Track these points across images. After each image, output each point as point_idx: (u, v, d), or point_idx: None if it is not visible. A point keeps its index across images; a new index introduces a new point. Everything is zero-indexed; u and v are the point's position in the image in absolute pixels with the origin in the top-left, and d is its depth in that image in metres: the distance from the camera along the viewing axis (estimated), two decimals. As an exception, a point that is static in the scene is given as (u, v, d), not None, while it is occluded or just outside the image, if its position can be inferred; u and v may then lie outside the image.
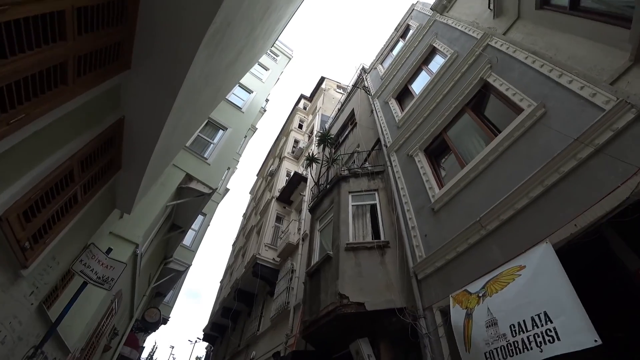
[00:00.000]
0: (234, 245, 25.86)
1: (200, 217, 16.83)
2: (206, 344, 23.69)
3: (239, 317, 16.30)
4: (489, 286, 4.48)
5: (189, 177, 10.89)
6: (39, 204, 3.38)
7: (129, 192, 5.50)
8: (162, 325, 22.78)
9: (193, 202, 11.26)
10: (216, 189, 11.33)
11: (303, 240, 11.98)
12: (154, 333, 25.75)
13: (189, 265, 14.10)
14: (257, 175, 30.49)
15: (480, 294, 4.54)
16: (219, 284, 24.08)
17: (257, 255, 13.25)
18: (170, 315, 19.91)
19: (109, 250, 5.39)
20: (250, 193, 30.27)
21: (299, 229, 12.95)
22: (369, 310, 5.89)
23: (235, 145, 13.91)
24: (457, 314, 4.77)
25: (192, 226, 16.07)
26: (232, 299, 15.15)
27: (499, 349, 3.85)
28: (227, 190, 27.13)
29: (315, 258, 7.91)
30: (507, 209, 4.61)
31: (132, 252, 7.72)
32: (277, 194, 16.64)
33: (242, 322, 15.69)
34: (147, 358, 54.09)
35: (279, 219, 15.71)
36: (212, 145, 12.60)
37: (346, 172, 8.91)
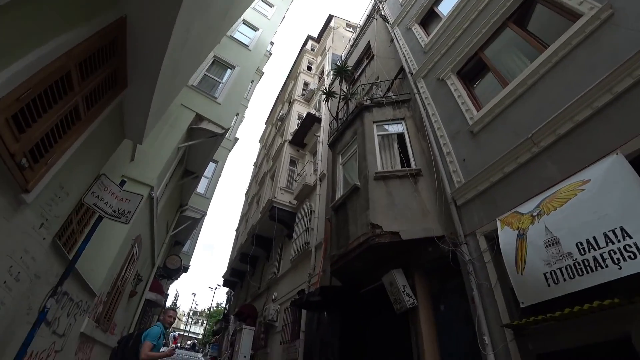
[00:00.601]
0: (247, 194, 25.80)
1: (212, 165, 16.42)
2: (226, 289, 24.52)
3: (257, 262, 16.46)
4: (544, 205, 4.02)
5: (199, 118, 10.26)
6: (32, 110, 2.82)
7: (138, 117, 4.90)
8: (183, 274, 23.47)
9: (205, 145, 10.73)
10: (228, 129, 10.75)
11: (320, 180, 11.55)
12: (176, 281, 26.73)
13: (205, 213, 13.92)
14: (265, 124, 29.67)
15: (535, 213, 4.10)
16: (235, 232, 24.36)
17: (273, 199, 12.94)
18: (190, 264, 20.32)
19: (123, 182, 4.92)
20: (260, 142, 29.66)
21: (315, 170, 12.47)
22: (404, 239, 5.49)
23: (244, 84, 13.08)
24: (506, 237, 4.36)
25: (205, 174, 15.73)
26: (250, 244, 15.15)
27: (563, 269, 3.44)
28: (236, 139, 26.53)
29: (340, 192, 7.45)
30: (565, 122, 4.04)
31: (147, 195, 7.34)
32: (289, 137, 16.00)
33: (260, 266, 15.85)
34: (171, 304, 57.64)
35: (292, 162, 15.22)
36: (220, 84, 11.83)
37: (369, 102, 8.17)
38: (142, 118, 4.94)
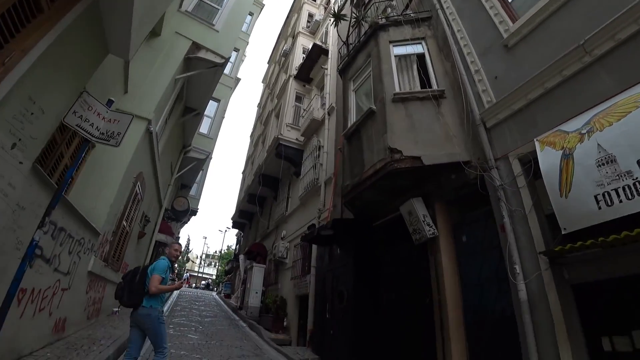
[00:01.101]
0: (251, 136, 25.17)
1: (213, 104, 15.63)
2: (236, 231, 24.92)
3: (264, 202, 16.32)
4: (596, 121, 3.50)
5: (196, 47, 9.37)
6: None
7: (119, 24, 4.18)
8: (193, 217, 23.69)
9: (204, 77, 9.94)
10: (228, 58, 9.89)
11: (329, 114, 10.84)
12: (186, 225, 27.17)
13: (209, 154, 13.46)
14: (268, 63, 28.10)
15: (584, 131, 3.56)
16: (241, 175, 24.17)
17: (279, 136, 12.35)
18: (198, 207, 20.35)
19: (110, 102, 4.32)
20: (263, 82, 28.35)
21: (322, 104, 11.70)
22: (426, 164, 4.97)
23: (243, 10, 11.91)
24: (548, 158, 3.85)
25: (207, 113, 15.02)
26: (257, 185, 14.87)
27: (620, 190, 3.01)
28: (238, 79, 25.32)
29: (352, 119, 6.81)
30: (628, 24, 3.33)
31: (145, 130, 6.80)
32: (294, 72, 14.95)
33: (268, 206, 15.70)
34: (184, 249, 59.90)
35: (298, 98, 14.37)
36: (218, 11, 10.75)
37: (384, 21, 7.20)
38: (124, 26, 4.22)
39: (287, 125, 12.88)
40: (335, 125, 10.09)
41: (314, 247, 8.35)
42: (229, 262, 26.37)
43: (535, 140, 4.00)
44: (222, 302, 18.47)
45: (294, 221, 11.03)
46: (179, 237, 20.96)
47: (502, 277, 4.37)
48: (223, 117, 17.53)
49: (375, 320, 5.81)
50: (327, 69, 12.66)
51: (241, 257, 14.70)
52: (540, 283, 3.72)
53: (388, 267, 6.06)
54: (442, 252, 5.01)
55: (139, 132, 6.54)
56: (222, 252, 46.46)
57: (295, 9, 21.71)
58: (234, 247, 27.56)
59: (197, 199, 19.66)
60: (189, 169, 13.65)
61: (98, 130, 4.03)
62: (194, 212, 19.29)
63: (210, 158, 20.85)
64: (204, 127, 14.32)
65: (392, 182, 5.33)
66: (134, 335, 3.47)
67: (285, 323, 8.94)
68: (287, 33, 21.85)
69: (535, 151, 3.93)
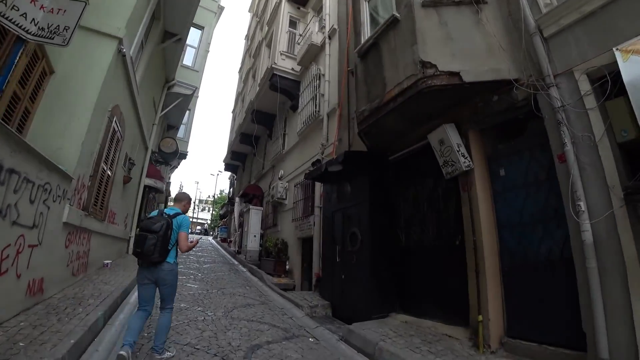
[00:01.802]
0: (240, 70, 23.27)
1: (197, 32, 13.84)
2: (229, 174, 24.08)
3: (259, 142, 15.29)
4: None
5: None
6: None
7: None
8: (183, 161, 22.64)
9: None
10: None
11: (330, 38, 9.46)
12: (176, 169, 26.18)
13: (196, 88, 12.05)
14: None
15: None
16: (231, 114, 22.75)
17: (273, 66, 10.97)
18: (188, 151, 19.22)
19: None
20: (249, 11, 25.59)
21: (322, 27, 10.22)
22: (466, 82, 4.00)
23: None
24: (635, 69, 2.92)
25: (191, 42, 13.31)
26: (250, 123, 13.72)
27: None
28: (221, 7, 22.79)
29: (367, 33, 5.63)
30: None
31: (115, 51, 5.47)
32: (287, -9, 13.06)
33: (262, 145, 14.69)
34: (177, 194, 59.29)
35: (292, 23, 12.67)
36: None
37: None
38: None
39: (281, 54, 11.43)
40: (339, 49, 8.81)
41: (318, 185, 7.59)
42: (223, 206, 25.93)
43: (615, 49, 3.06)
44: (219, 247, 18.28)
45: (293, 159, 10.15)
46: (169, 182, 20.04)
47: (550, 216, 3.72)
48: (208, 49, 15.77)
49: (395, 263, 5.22)
50: (326, -14, 10.94)
51: (236, 200, 14.04)
52: (612, 223, 3.02)
53: (408, 205, 5.33)
54: (477, 187, 4.26)
55: (109, 54, 5.29)
56: (215, 196, 46.03)
57: None
58: (227, 192, 26.92)
59: (185, 141, 18.48)
60: (175, 107, 12.35)
61: (36, 25, 2.91)
62: (184, 156, 18.24)
63: (197, 96, 19.35)
64: (187, 59, 12.75)
65: (420, 104, 4.38)
66: (149, 291, 3.25)
67: (287, 267, 8.49)
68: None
69: (612, 64, 3.06)
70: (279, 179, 10.62)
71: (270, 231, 10.98)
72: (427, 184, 5.05)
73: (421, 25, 4.37)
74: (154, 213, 3.52)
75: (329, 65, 9.02)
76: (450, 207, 4.65)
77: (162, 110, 10.78)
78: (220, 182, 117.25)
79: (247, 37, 23.86)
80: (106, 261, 6.47)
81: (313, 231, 7.47)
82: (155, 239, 3.15)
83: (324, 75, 9.19)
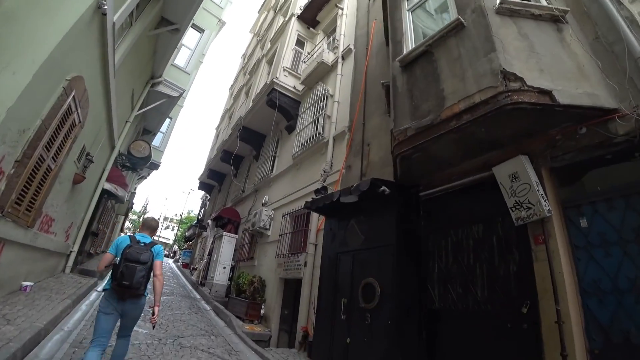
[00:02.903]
0: (231, 88, 22.26)
1: (196, 35, 12.82)
2: (202, 193, 22.25)
3: (241, 162, 13.95)
4: None
5: None
6: None
7: None
8: (154, 172, 20.77)
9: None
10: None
11: (343, 58, 8.66)
12: (144, 180, 24.02)
13: (183, 92, 10.74)
14: (259, 12, 24.90)
15: None
16: (215, 131, 21.38)
17: (274, 80, 9.96)
18: (161, 162, 17.53)
19: None
20: (250, 32, 25.16)
21: (335, 48, 9.45)
22: (560, 103, 3.02)
23: None
24: None
25: (187, 43, 12.23)
26: (237, 139, 12.45)
27: None
28: (223, 22, 22.19)
29: (410, 44, 4.68)
30: None
31: (93, 2, 4.15)
32: (298, 11, 12.44)
33: (246, 166, 13.36)
34: (141, 210, 55.33)
35: (300, 43, 11.92)
36: None
37: None
38: None
39: (284, 70, 10.50)
40: (353, 70, 7.97)
41: (315, 218, 6.33)
42: (190, 227, 23.74)
43: None
44: (179, 273, 16.18)
45: (283, 185, 8.88)
46: (134, 193, 18.01)
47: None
48: (204, 54, 14.74)
49: (428, 332, 3.91)
50: (343, 8, 10.37)
51: (208, 223, 12.37)
52: None
53: (445, 255, 4.13)
54: (557, 239, 3.17)
55: (84, 3, 3.97)
56: (183, 215, 43.03)
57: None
58: (197, 212, 24.78)
59: (161, 151, 16.86)
60: (156, 108, 10.99)
61: None
62: (156, 166, 16.53)
63: (182, 105, 18.04)
64: (180, 60, 11.56)
65: (491, 126, 3.33)
66: (111, 323, 2.99)
67: (262, 311, 6.92)
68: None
69: None
70: (263, 205, 9.25)
71: (245, 265, 9.41)
72: (475, 231, 3.92)
73: (499, 32, 3.45)
74: (124, 238, 3.25)
75: (339, 85, 8.13)
76: (511, 263, 3.50)
77: (140, 108, 9.35)
78: (190, 202, 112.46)
79: (244, 55, 23.17)
80: (26, 283, 4.74)
81: (303, 273, 6.09)
82: (144, 270, 3.05)
83: (332, 95, 8.26)
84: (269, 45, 14.33)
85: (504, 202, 3.51)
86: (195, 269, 15.22)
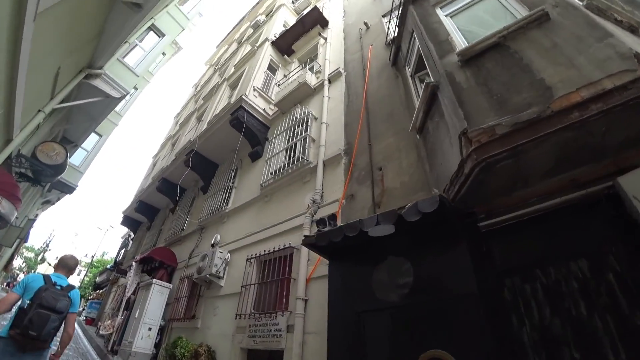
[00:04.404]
0: (177, 116, 20.07)
1: (154, 37, 10.99)
2: (124, 231, 18.70)
3: (183, 194, 11.67)
4: None
5: None
6: None
7: None
8: (66, 197, 17.16)
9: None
10: None
11: (330, 81, 7.61)
12: (51, 207, 19.79)
13: (127, 94, 8.62)
14: (217, 47, 23.90)
15: None
16: (151, 160, 18.64)
17: (244, 97, 8.45)
18: (78, 185, 14.40)
19: None
20: (206, 64, 23.78)
21: (317, 72, 8.38)
22: None
23: None
24: None
25: (142, 44, 10.34)
26: (181, 166, 10.39)
27: None
28: (179, 47, 20.74)
29: (461, 40, 3.63)
30: None
31: None
32: (272, 37, 11.48)
33: (189, 199, 11.10)
34: (41, 247, 46.49)
35: (272, 69, 10.78)
36: None
37: None
38: None
39: (254, 90, 9.10)
40: (346, 91, 6.86)
41: (302, 261, 4.59)
42: (103, 272, 19.46)
43: None
44: (80, 332, 12.49)
45: (244, 221, 6.99)
46: (32, 220, 14.21)
47: None
48: (151, 72, 12.90)
49: None
50: (326, 37, 9.62)
51: (132, 266, 9.62)
52: None
53: (540, 308, 2.65)
54: None
55: None
56: (94, 257, 36.46)
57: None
58: (115, 254, 20.61)
59: (80, 172, 13.86)
60: (85, 109, 8.72)
61: None
62: (70, 189, 13.43)
63: (116, 124, 15.51)
64: (130, 59, 9.57)
65: (621, 120, 2.20)
66: None
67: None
68: (258, 12, 18.42)
69: None
70: (213, 246, 7.18)
71: (181, 326, 6.96)
72: (576, 269, 2.56)
73: (601, 22, 2.50)
74: (37, 277, 2.85)
75: (327, 108, 6.91)
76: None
77: (64, 102, 7.05)
78: (107, 242, 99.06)
79: (196, 85, 21.51)
80: None
81: (285, 342, 4.18)
82: (57, 321, 2.73)
83: (316, 118, 6.99)
84: (233, 70, 13.03)
85: (612, 226, 2.32)
86: (105, 328, 11.80)
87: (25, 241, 14.00)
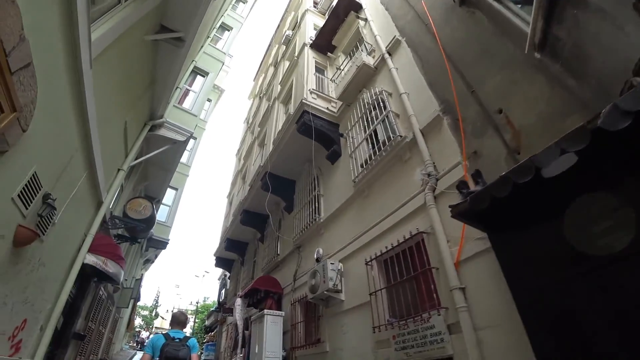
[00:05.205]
0: (238, 151, 20.57)
1: (200, 79, 11.19)
2: (219, 272, 19.27)
3: (267, 222, 11.43)
4: None
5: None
6: None
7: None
8: (162, 253, 18.13)
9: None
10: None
11: (390, 54, 6.84)
12: (152, 266, 21.10)
13: (191, 134, 8.60)
14: (254, 80, 24.38)
15: None
16: (226, 200, 19.12)
17: (304, 100, 8.00)
18: (169, 239, 15.08)
19: None
20: (250, 97, 24.33)
21: (372, 51, 7.65)
22: None
23: None
24: None
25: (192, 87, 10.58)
26: (258, 192, 10.21)
27: None
28: (221, 90, 21.44)
29: None
30: None
31: None
32: (309, 41, 11.06)
33: (275, 223, 10.77)
34: (152, 305, 50.69)
35: (319, 70, 10.31)
36: None
37: None
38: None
39: (311, 92, 8.61)
40: (413, 53, 6.05)
41: (442, 245, 3.76)
42: (210, 315, 20.21)
43: None
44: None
45: (344, 225, 6.35)
46: (139, 280, 15.05)
47: None
48: (208, 103, 13.18)
49: None
50: (365, 17, 8.93)
51: (237, 302, 9.47)
52: None
53: None
54: None
55: None
56: (198, 304, 38.62)
57: (292, 7, 18.54)
58: (216, 296, 21.33)
59: (168, 226, 14.50)
60: (158, 162, 8.99)
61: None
62: (163, 244, 14.06)
63: (187, 175, 16.16)
64: (185, 104, 9.78)
65: None
66: None
67: None
68: (285, 29, 18.38)
69: None
70: (318, 261, 6.63)
71: (308, 353, 6.38)
72: None
73: None
74: (159, 337, 3.50)
75: (399, 79, 6.14)
76: None
77: (136, 156, 7.14)
78: (206, 287, 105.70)
79: (246, 119, 21.97)
80: None
81: (451, 348, 3.35)
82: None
83: (391, 93, 6.23)
84: (279, 88, 12.81)
85: None
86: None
87: (138, 300, 14.83)
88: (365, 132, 6.61)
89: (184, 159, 14.71)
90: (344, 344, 5.32)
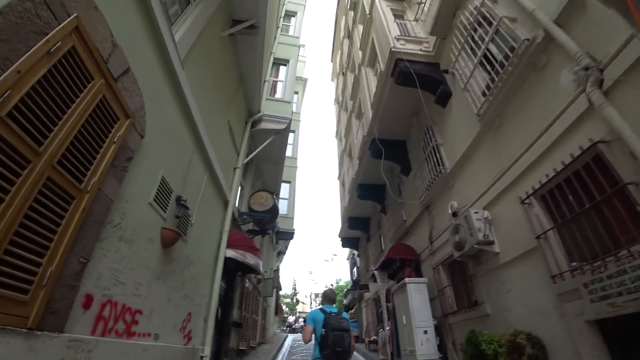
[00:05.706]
0: (337, 132, 20.57)
1: (283, 69, 11.36)
2: (346, 252, 19.75)
3: (385, 191, 10.94)
4: None
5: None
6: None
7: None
8: (291, 241, 19.24)
9: None
10: None
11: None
12: (284, 257, 22.79)
13: (289, 121, 8.70)
14: (332, 60, 23.94)
15: None
16: (338, 181, 19.34)
17: (393, 49, 7.22)
18: (294, 229, 15.86)
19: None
20: (332, 79, 24.10)
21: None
22: None
23: None
24: None
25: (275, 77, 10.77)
26: (369, 161, 9.82)
27: None
28: (304, 80, 21.59)
29: None
30: None
31: None
32: (377, -7, 10.05)
33: (394, 189, 10.13)
34: (291, 293, 55.73)
35: (398, 17, 9.29)
36: None
37: None
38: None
39: (397, 39, 7.71)
40: None
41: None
42: (346, 294, 20.96)
43: None
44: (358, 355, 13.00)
45: (478, 167, 5.47)
46: (277, 271, 16.26)
47: None
48: (296, 96, 13.26)
49: None
50: None
51: (375, 274, 9.34)
52: None
53: None
54: None
55: None
56: (333, 286, 41.00)
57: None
58: (348, 276, 22.00)
59: (290, 217, 15.22)
60: (267, 154, 9.30)
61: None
62: (290, 235, 14.81)
63: (295, 167, 16.69)
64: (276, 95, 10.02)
65: None
66: None
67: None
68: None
69: None
70: (454, 215, 5.90)
71: (464, 318, 5.78)
72: None
73: None
74: (317, 312, 3.60)
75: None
76: None
77: (247, 154, 7.47)
78: (336, 269, 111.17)
79: (336, 99, 21.75)
80: None
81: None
82: (349, 337, 3.41)
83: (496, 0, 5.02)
84: (361, 54, 12.05)
85: None
86: (374, 342, 11.93)
87: (280, 289, 16.09)
88: (475, 56, 5.54)
89: (288, 152, 15.24)
90: (510, 303, 4.52)
